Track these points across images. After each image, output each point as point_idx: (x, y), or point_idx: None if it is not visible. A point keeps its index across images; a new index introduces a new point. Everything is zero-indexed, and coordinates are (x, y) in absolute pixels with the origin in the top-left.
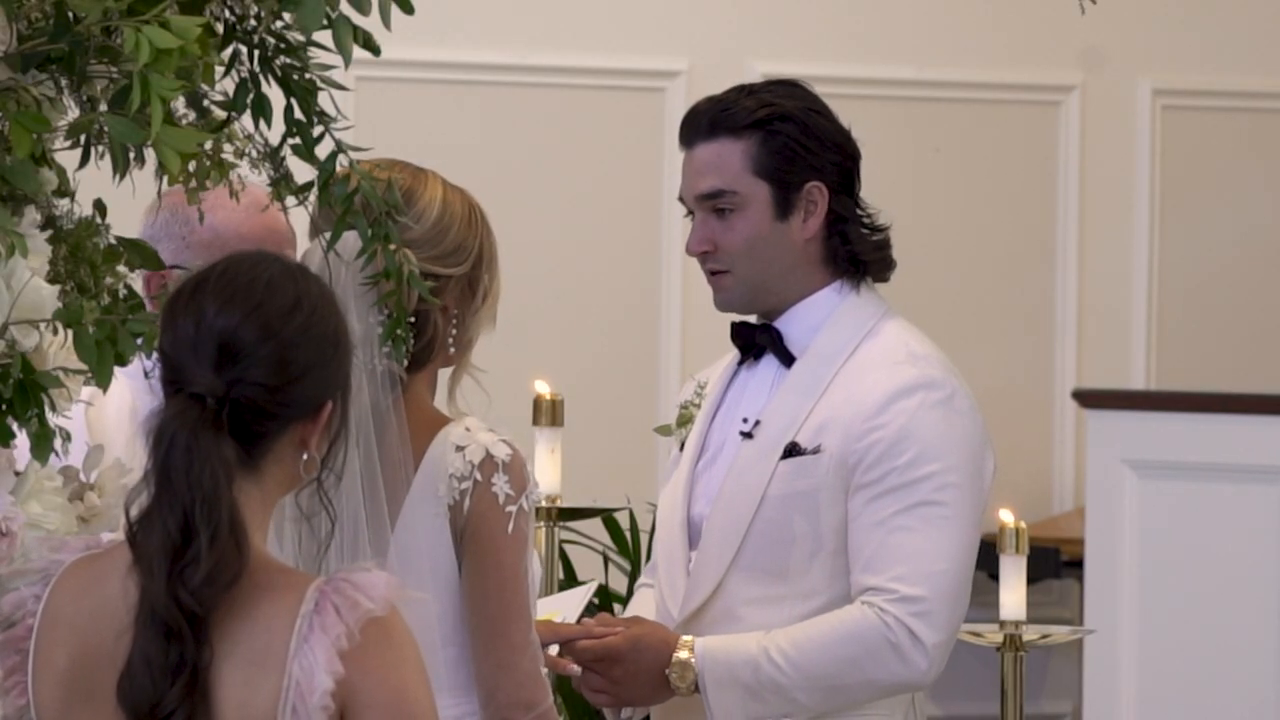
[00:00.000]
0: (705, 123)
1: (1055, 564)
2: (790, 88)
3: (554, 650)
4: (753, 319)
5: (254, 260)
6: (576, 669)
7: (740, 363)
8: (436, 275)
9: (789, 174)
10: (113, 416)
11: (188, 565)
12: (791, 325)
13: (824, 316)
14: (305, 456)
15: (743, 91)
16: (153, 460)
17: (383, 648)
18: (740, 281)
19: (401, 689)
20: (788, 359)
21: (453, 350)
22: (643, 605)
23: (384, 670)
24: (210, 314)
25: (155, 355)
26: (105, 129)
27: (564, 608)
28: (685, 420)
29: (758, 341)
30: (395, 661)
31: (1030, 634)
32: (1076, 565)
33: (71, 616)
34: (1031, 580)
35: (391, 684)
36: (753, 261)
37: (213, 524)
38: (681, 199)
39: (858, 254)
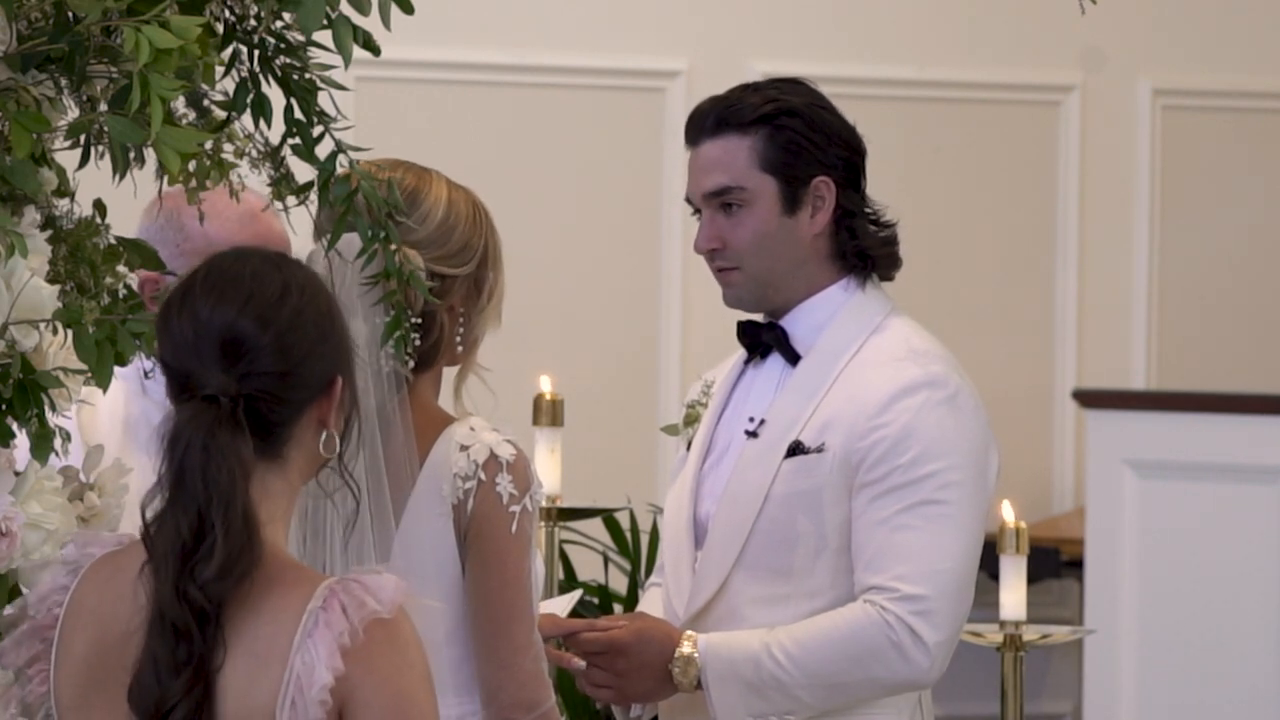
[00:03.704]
0: (711, 120)
1: (1055, 564)
2: (795, 84)
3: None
4: (759, 317)
5: (234, 256)
6: (580, 663)
7: (747, 361)
8: (443, 275)
9: (796, 169)
10: (105, 420)
11: (199, 561)
12: (797, 323)
13: (830, 314)
14: (325, 435)
15: (747, 89)
16: (167, 464)
17: (387, 649)
18: (749, 278)
19: (403, 693)
20: (793, 357)
21: (460, 350)
22: (651, 604)
23: (386, 672)
24: (205, 314)
25: (154, 360)
26: (105, 129)
27: (551, 610)
28: (692, 419)
29: (764, 340)
30: (399, 665)
31: (1030, 634)
32: (1076, 565)
33: (94, 605)
34: (1031, 580)
35: (393, 686)
36: (761, 257)
37: (227, 520)
38: (688, 198)
39: (865, 249)
